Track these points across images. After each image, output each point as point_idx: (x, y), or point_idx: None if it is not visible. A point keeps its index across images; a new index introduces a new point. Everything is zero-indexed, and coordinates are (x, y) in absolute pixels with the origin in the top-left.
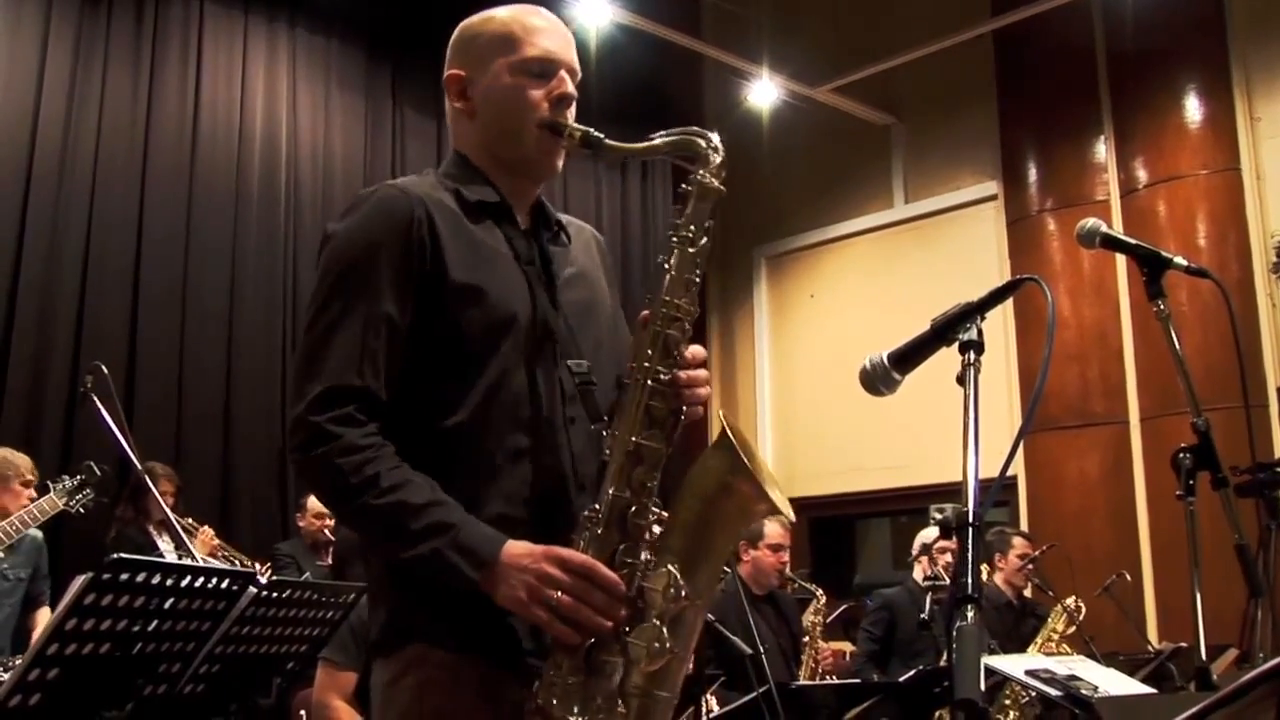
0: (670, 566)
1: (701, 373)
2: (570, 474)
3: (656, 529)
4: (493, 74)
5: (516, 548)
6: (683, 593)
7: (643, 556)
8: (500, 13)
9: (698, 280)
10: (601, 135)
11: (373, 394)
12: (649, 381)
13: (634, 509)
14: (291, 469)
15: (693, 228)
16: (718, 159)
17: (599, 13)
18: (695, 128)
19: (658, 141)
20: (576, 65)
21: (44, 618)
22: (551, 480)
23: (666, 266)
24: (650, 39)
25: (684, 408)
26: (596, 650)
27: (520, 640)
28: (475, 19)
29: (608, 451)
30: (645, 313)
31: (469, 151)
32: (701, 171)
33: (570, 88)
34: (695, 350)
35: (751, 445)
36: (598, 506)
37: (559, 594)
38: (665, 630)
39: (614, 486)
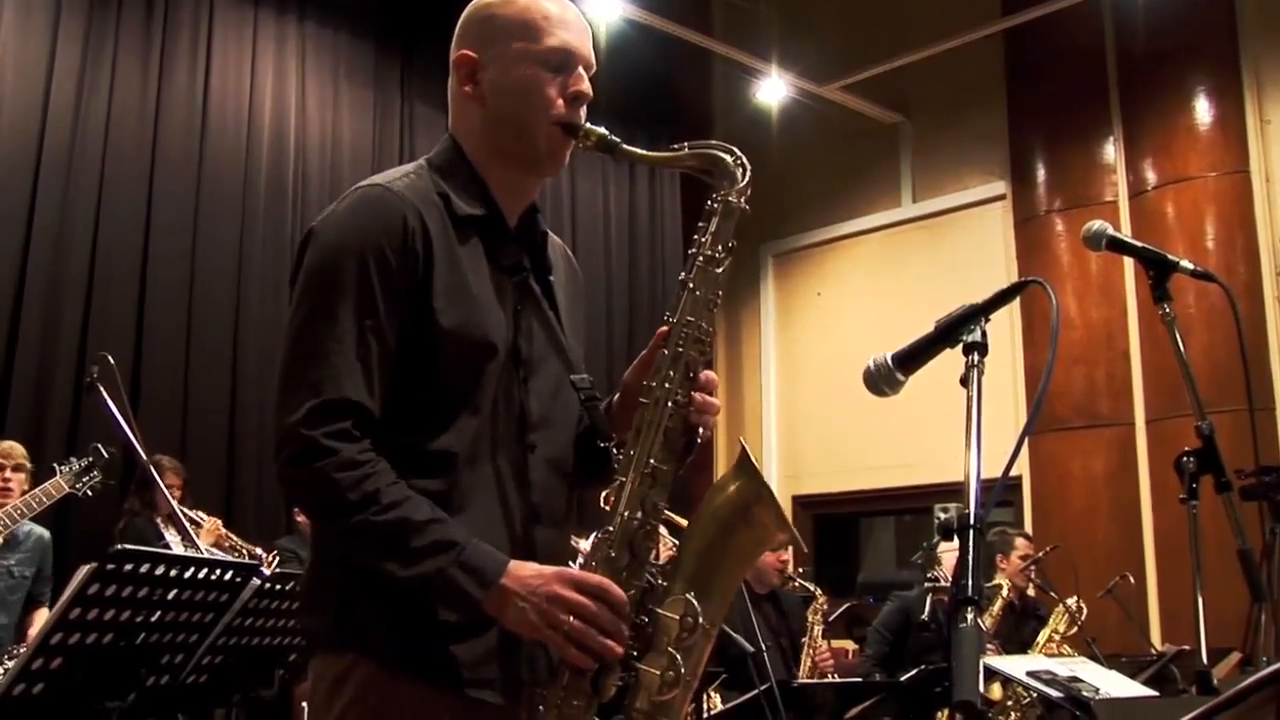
0: (688, 595)
1: (714, 400)
2: (533, 507)
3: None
4: (508, 61)
5: (524, 568)
6: (699, 621)
7: (655, 580)
8: None
9: (719, 300)
10: (618, 139)
11: (367, 410)
12: (669, 403)
13: (644, 531)
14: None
15: (719, 247)
16: (743, 177)
17: (609, 8)
18: (721, 142)
19: (682, 153)
20: (594, 61)
21: (41, 619)
22: (514, 514)
23: (690, 285)
24: (660, 35)
25: (699, 430)
26: (603, 674)
27: (460, 668)
28: None
29: (616, 470)
30: (663, 329)
31: (467, 139)
32: (728, 189)
33: (587, 86)
34: (709, 375)
35: (760, 469)
36: (610, 529)
37: (572, 617)
38: (679, 658)
39: (628, 509)
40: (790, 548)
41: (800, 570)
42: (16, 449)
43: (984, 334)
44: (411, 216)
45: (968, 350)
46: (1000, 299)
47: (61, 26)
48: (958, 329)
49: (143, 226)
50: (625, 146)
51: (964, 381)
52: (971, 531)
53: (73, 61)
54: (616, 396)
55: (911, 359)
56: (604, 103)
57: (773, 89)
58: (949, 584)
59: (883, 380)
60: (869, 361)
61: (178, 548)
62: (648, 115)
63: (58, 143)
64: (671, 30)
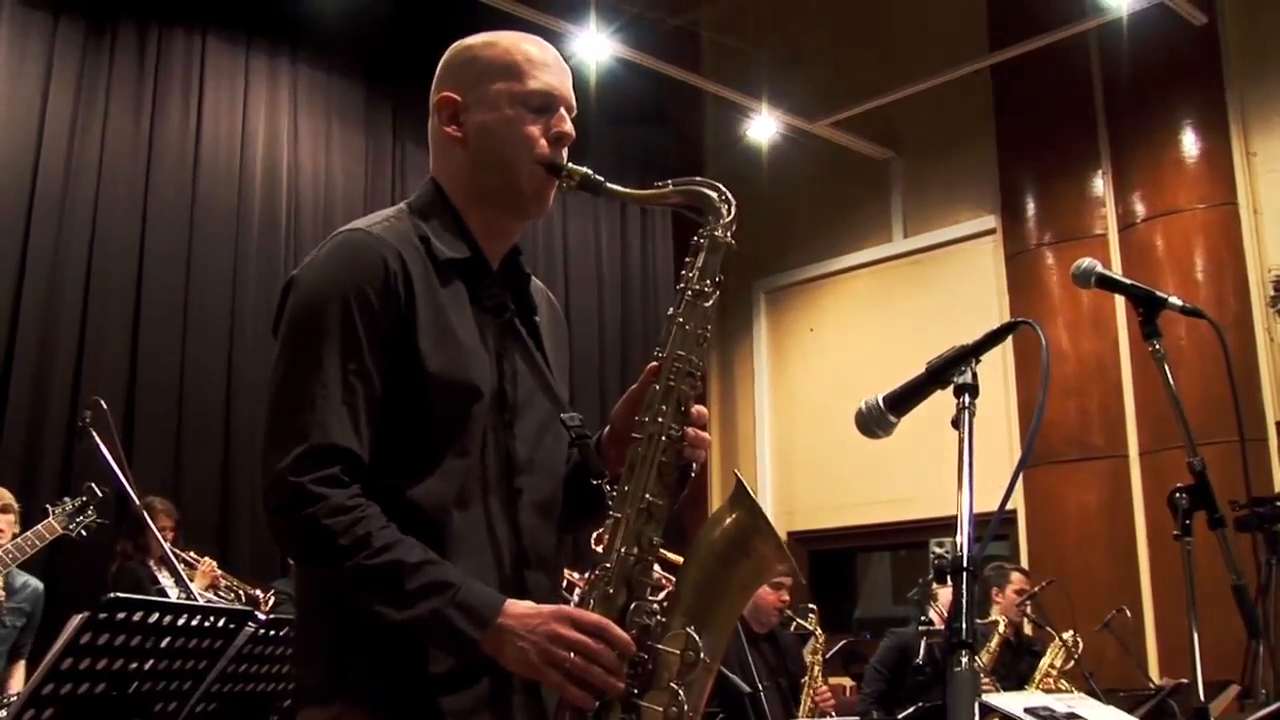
0: (688, 629)
1: (705, 434)
2: (521, 551)
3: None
4: (490, 102)
5: (520, 606)
6: (701, 656)
7: (654, 616)
8: (500, 39)
9: (708, 334)
10: (601, 179)
11: (356, 455)
12: (662, 438)
13: (640, 567)
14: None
15: (707, 281)
16: (728, 212)
17: (600, 47)
18: (705, 179)
19: (666, 190)
20: (574, 102)
21: (20, 672)
22: (504, 558)
23: (680, 320)
24: (651, 74)
25: (692, 464)
26: (605, 714)
27: (449, 718)
28: (473, 41)
29: (611, 506)
30: (653, 364)
31: (449, 181)
32: (713, 224)
33: (570, 127)
34: (700, 409)
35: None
36: (607, 565)
37: (571, 655)
38: (681, 694)
39: (624, 545)
40: (790, 587)
41: (801, 608)
42: (4, 492)
43: (974, 375)
44: (392, 259)
45: (958, 392)
46: (990, 340)
47: (55, 67)
48: (948, 370)
49: (136, 267)
50: (609, 185)
51: (955, 424)
52: (965, 575)
53: (66, 102)
54: (606, 431)
55: (902, 401)
56: (595, 141)
57: (763, 126)
58: (943, 623)
59: (874, 422)
60: (861, 404)
61: (172, 591)
62: (639, 154)
63: (51, 184)
64: (662, 69)
